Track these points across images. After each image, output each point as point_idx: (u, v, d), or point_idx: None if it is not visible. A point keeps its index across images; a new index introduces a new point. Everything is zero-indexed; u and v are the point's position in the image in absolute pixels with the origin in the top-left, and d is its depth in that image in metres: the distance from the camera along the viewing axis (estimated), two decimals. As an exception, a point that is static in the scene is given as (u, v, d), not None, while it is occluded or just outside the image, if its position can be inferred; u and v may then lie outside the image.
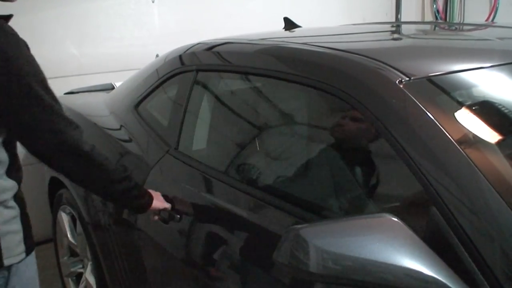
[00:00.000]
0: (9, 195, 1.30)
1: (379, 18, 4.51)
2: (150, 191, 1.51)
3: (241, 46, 1.84)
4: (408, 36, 2.05)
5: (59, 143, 1.24)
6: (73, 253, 2.44)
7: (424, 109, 1.11)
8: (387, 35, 2.09)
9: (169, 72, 2.02)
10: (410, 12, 4.82)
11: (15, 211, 1.32)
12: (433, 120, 1.08)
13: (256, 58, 1.65)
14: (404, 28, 2.31)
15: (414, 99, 1.13)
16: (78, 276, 2.43)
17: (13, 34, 1.19)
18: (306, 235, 0.97)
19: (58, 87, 1.28)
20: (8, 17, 1.24)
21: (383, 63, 1.27)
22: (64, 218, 2.39)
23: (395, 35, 2.09)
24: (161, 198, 1.53)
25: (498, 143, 1.13)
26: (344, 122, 1.35)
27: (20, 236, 1.32)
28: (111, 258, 1.97)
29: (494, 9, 4.38)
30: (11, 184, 1.30)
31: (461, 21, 4.56)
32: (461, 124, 1.12)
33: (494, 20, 4.36)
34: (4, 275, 1.31)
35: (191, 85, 1.85)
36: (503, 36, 1.73)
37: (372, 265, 0.92)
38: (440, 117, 1.09)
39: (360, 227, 0.97)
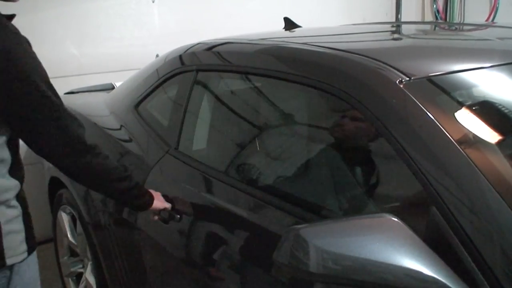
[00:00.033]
0: (11, 194, 1.30)
1: (379, 18, 4.51)
2: (151, 191, 1.51)
3: (241, 46, 1.84)
4: (408, 36, 2.05)
5: (64, 140, 1.25)
6: (73, 253, 2.44)
7: (424, 109, 1.11)
8: (387, 35, 2.09)
9: (169, 72, 2.02)
10: (410, 12, 4.82)
11: (17, 211, 1.32)
12: (433, 120, 1.08)
13: (256, 58, 1.65)
14: (404, 28, 2.31)
15: (414, 99, 1.13)
16: (78, 276, 2.43)
17: (16, 33, 1.20)
18: (306, 235, 0.97)
19: (58, 87, 1.28)
20: (11, 16, 1.25)
21: (383, 63, 1.27)
22: (64, 218, 2.39)
23: (395, 35, 2.09)
24: (161, 198, 1.54)
25: (498, 143, 1.13)
26: (344, 122, 1.35)
27: (22, 235, 1.33)
28: (111, 258, 1.97)
29: (494, 9, 4.38)
30: (14, 183, 1.30)
31: (461, 21, 4.56)
32: (461, 124, 1.12)
33: (494, 20, 4.36)
34: (6, 275, 1.31)
35: (191, 85, 1.85)
36: (503, 36, 1.73)
37: (372, 265, 0.92)
38: (440, 117, 1.09)
39: (360, 227, 0.97)
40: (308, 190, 1.44)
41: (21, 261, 1.32)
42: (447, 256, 0.94)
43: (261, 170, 1.63)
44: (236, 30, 2.52)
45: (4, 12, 1.23)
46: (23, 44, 1.20)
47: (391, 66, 1.24)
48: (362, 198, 1.34)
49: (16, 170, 1.31)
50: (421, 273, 0.91)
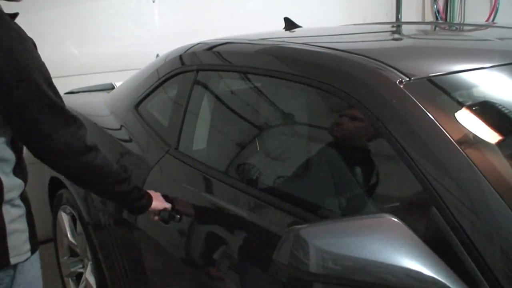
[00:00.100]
0: (16, 193, 1.30)
1: (380, 18, 4.50)
2: (150, 191, 1.51)
3: (241, 46, 1.84)
4: (409, 36, 2.05)
5: (64, 140, 1.24)
6: (73, 253, 2.44)
7: (424, 109, 1.11)
8: (388, 35, 2.09)
9: (169, 72, 2.02)
10: (410, 12, 4.82)
11: (21, 210, 1.32)
12: (433, 120, 1.08)
13: (256, 58, 1.65)
14: (405, 28, 2.31)
15: (414, 99, 1.13)
16: (78, 276, 2.43)
17: (20, 32, 1.20)
18: (306, 235, 0.97)
19: (58, 87, 1.28)
20: (14, 15, 1.26)
21: (384, 63, 1.27)
22: (64, 218, 2.39)
23: (396, 35, 2.09)
24: (161, 198, 1.53)
25: (498, 143, 1.13)
26: (344, 122, 1.35)
27: (26, 235, 1.33)
28: (111, 258, 1.98)
29: (494, 9, 4.37)
30: (18, 182, 1.31)
31: (462, 21, 4.56)
32: (461, 124, 1.12)
33: (495, 21, 4.35)
34: (10, 274, 1.31)
35: (191, 85, 1.85)
36: (503, 37, 1.73)
37: (372, 265, 0.92)
38: (440, 117, 1.09)
39: (360, 227, 0.98)
40: (308, 190, 1.44)
41: (25, 260, 1.33)
42: (447, 256, 0.94)
43: (261, 170, 1.63)
44: (236, 30, 2.52)
45: (6, 12, 1.24)
46: (26, 43, 1.21)
47: (391, 67, 1.24)
48: (362, 198, 1.34)
49: (20, 169, 1.31)
50: (421, 273, 0.91)
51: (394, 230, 0.95)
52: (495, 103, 1.28)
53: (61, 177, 2.29)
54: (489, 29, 2.15)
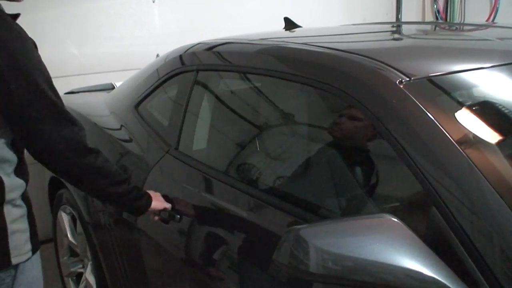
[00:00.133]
0: (17, 194, 1.30)
1: (380, 18, 4.51)
2: (150, 192, 1.51)
3: (241, 46, 1.84)
4: (409, 36, 2.04)
5: (64, 141, 1.24)
6: (73, 253, 2.44)
7: (424, 109, 1.11)
8: (388, 35, 2.09)
9: (169, 72, 2.02)
10: (410, 12, 4.82)
11: (22, 210, 1.32)
12: (433, 120, 1.08)
13: (256, 58, 1.65)
14: (405, 28, 2.31)
15: (414, 99, 1.13)
16: (78, 276, 2.43)
17: (20, 32, 1.21)
18: (306, 235, 0.97)
19: (58, 87, 1.28)
20: (16, 16, 1.26)
21: (383, 63, 1.27)
22: (64, 218, 2.39)
23: (396, 35, 2.09)
24: (161, 198, 1.53)
25: (498, 143, 1.13)
26: (344, 122, 1.35)
27: (27, 235, 1.33)
28: (111, 258, 1.98)
29: (494, 9, 4.37)
30: (19, 183, 1.30)
31: (462, 21, 4.56)
32: (461, 124, 1.12)
33: (495, 21, 4.35)
34: (11, 274, 1.31)
35: (191, 85, 1.85)
36: (504, 37, 1.73)
37: (372, 265, 0.92)
38: (440, 117, 1.09)
39: (360, 227, 0.97)
40: (308, 190, 1.44)
41: (26, 260, 1.33)
42: (447, 256, 0.94)
43: (261, 170, 1.63)
44: (236, 30, 2.52)
45: (7, 12, 1.24)
46: (27, 43, 1.21)
47: (391, 66, 1.24)
48: (362, 198, 1.34)
49: (21, 169, 1.31)
50: (421, 273, 0.91)
51: (394, 230, 0.95)
52: (495, 103, 1.28)
53: (61, 177, 2.29)
54: (489, 29, 2.15)
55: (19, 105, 1.19)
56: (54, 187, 2.49)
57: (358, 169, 1.38)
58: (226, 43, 1.89)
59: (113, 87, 2.95)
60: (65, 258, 2.48)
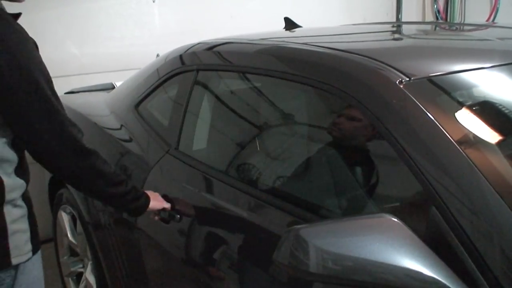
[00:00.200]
0: (17, 194, 1.30)
1: (380, 18, 4.51)
2: (149, 192, 1.51)
3: (241, 46, 1.84)
4: (409, 36, 2.05)
5: (63, 141, 1.24)
6: (73, 253, 2.44)
7: (424, 109, 1.11)
8: (388, 35, 2.09)
9: (169, 72, 2.02)
10: (410, 12, 4.82)
11: (23, 210, 1.32)
12: (433, 120, 1.08)
13: (256, 58, 1.66)
14: (405, 28, 2.31)
15: (414, 99, 1.13)
16: (78, 276, 2.43)
17: (22, 33, 1.21)
18: (306, 235, 0.97)
19: (59, 87, 1.29)
20: (17, 15, 1.26)
21: (384, 63, 1.27)
22: (64, 217, 2.39)
23: (396, 35, 2.09)
24: (160, 198, 1.53)
25: (498, 143, 1.13)
26: (344, 122, 1.36)
27: (27, 235, 1.33)
28: (111, 257, 1.98)
29: (494, 9, 4.38)
30: (19, 183, 1.30)
31: (462, 21, 4.56)
32: (461, 124, 1.12)
33: (495, 21, 4.36)
34: (11, 274, 1.31)
35: (191, 85, 1.85)
36: (504, 37, 1.73)
37: (372, 265, 0.92)
38: (440, 117, 1.09)
39: (360, 227, 0.98)
40: (308, 190, 1.44)
41: (26, 261, 1.33)
42: (447, 256, 0.94)
43: (261, 170, 1.63)
44: (236, 30, 2.52)
45: (8, 12, 1.24)
46: (28, 43, 1.21)
47: (391, 66, 1.24)
48: (362, 198, 1.34)
49: (21, 169, 1.31)
50: (421, 273, 0.91)
51: (394, 230, 0.95)
52: (495, 103, 1.28)
53: (61, 177, 2.29)
54: (489, 29, 2.15)
55: (19, 105, 1.19)
56: (54, 186, 2.49)
57: (358, 169, 1.38)
58: (226, 43, 1.89)
59: (113, 87, 2.95)
60: (65, 257, 2.48)
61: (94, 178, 1.32)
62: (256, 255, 1.33)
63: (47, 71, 1.24)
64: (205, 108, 1.85)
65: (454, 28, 2.40)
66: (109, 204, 1.53)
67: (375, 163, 1.33)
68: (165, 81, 2.05)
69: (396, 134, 1.11)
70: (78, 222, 2.22)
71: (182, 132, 1.81)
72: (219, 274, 1.43)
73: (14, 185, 1.28)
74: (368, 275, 0.93)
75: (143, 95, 2.14)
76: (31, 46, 1.22)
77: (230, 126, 1.90)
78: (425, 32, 2.17)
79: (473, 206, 0.97)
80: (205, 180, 1.65)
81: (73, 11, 3.22)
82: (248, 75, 1.74)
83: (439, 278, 0.91)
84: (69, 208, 2.33)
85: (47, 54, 1.35)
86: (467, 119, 1.14)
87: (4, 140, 1.24)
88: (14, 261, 1.29)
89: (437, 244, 0.96)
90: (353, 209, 1.34)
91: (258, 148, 1.72)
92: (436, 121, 1.08)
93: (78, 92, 2.95)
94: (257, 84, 1.79)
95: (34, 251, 1.35)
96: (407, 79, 1.19)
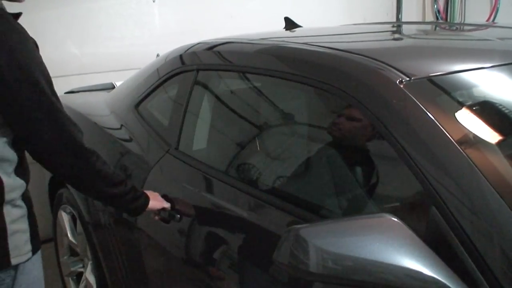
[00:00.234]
0: (17, 194, 1.30)
1: (380, 18, 4.51)
2: (149, 192, 1.51)
3: (241, 46, 1.84)
4: (409, 36, 2.05)
5: (63, 141, 1.24)
6: (73, 253, 2.44)
7: (425, 109, 1.11)
8: (388, 35, 2.09)
9: (169, 72, 2.02)
10: (411, 12, 4.82)
11: (23, 210, 1.32)
12: (433, 120, 1.09)
13: (256, 58, 1.66)
14: (405, 28, 2.31)
15: (415, 99, 1.13)
16: (79, 276, 2.43)
17: (22, 33, 1.21)
18: (306, 235, 0.97)
19: (59, 86, 1.29)
20: (18, 15, 1.26)
21: (384, 63, 1.27)
22: (65, 217, 2.39)
23: (396, 35, 2.09)
24: (160, 198, 1.53)
25: (498, 143, 1.13)
26: (344, 122, 1.36)
27: (27, 235, 1.32)
28: (111, 257, 1.98)
29: (495, 9, 4.38)
30: (19, 183, 1.30)
31: (462, 21, 4.56)
32: (461, 124, 1.12)
33: (495, 21, 4.36)
34: (11, 274, 1.31)
35: (191, 85, 1.85)
36: (504, 37, 1.73)
37: (372, 265, 0.92)
38: (441, 117, 1.09)
39: (360, 227, 0.98)
40: (308, 190, 1.44)
41: (26, 261, 1.32)
42: (447, 256, 0.94)
43: (261, 170, 1.63)
44: (236, 30, 2.52)
45: (9, 11, 1.24)
46: (28, 43, 1.21)
47: (391, 66, 1.24)
48: (362, 198, 1.34)
49: (21, 169, 1.31)
50: (421, 273, 0.91)
51: (394, 230, 0.95)
52: (495, 103, 1.28)
53: (61, 177, 2.29)
54: (489, 29, 2.15)
55: (19, 105, 1.19)
56: (54, 186, 2.49)
57: (358, 169, 1.38)
58: (226, 43, 1.89)
59: (113, 87, 2.95)
60: (65, 257, 2.48)
61: (93, 178, 1.32)
62: (256, 255, 1.33)
63: (47, 71, 1.24)
64: (205, 108, 1.85)
65: (454, 28, 2.40)
66: (109, 204, 1.53)
67: (375, 163, 1.33)
68: (165, 81, 2.05)
69: (396, 134, 1.11)
70: (78, 222, 2.22)
71: (182, 132, 1.81)
72: (219, 274, 1.43)
73: (14, 185, 1.28)
74: (368, 275, 0.93)
75: (143, 95, 2.14)
76: (32, 46, 1.22)
77: (230, 126, 1.90)
78: (425, 32, 2.17)
79: (473, 206, 0.97)
80: (205, 180, 1.65)
81: (73, 11, 3.22)
82: (248, 75, 1.74)
83: (439, 278, 0.91)
84: (69, 208, 2.33)
85: (47, 54, 1.35)
86: (467, 119, 1.14)
87: (4, 140, 1.24)
88: (14, 261, 1.29)
89: (437, 244, 0.96)
90: (353, 209, 1.34)
91: (258, 148, 1.72)
92: (436, 121, 1.08)
93: (78, 92, 2.95)
94: (257, 84, 1.79)
95: (34, 251, 1.35)
96: (407, 79, 1.19)
